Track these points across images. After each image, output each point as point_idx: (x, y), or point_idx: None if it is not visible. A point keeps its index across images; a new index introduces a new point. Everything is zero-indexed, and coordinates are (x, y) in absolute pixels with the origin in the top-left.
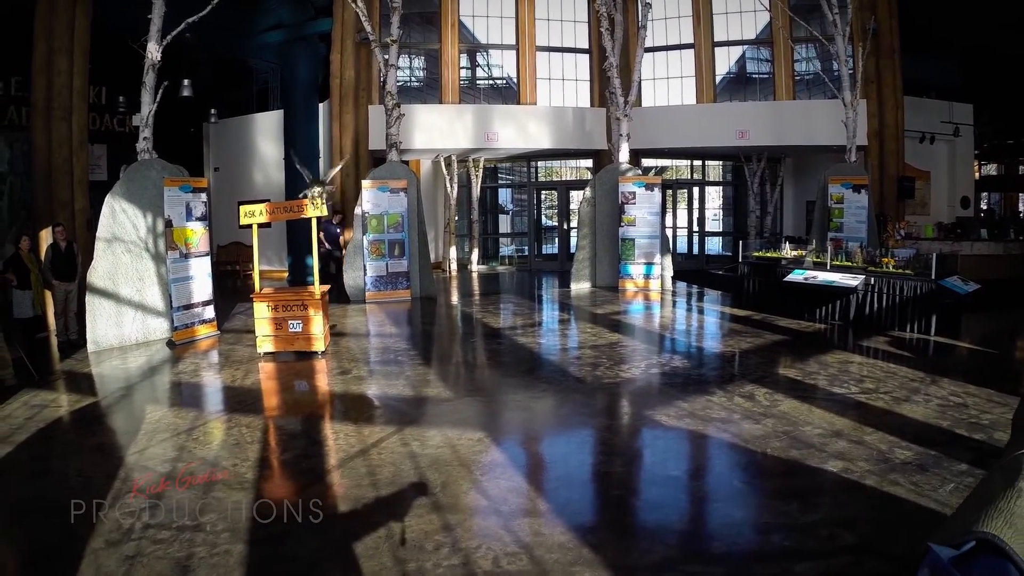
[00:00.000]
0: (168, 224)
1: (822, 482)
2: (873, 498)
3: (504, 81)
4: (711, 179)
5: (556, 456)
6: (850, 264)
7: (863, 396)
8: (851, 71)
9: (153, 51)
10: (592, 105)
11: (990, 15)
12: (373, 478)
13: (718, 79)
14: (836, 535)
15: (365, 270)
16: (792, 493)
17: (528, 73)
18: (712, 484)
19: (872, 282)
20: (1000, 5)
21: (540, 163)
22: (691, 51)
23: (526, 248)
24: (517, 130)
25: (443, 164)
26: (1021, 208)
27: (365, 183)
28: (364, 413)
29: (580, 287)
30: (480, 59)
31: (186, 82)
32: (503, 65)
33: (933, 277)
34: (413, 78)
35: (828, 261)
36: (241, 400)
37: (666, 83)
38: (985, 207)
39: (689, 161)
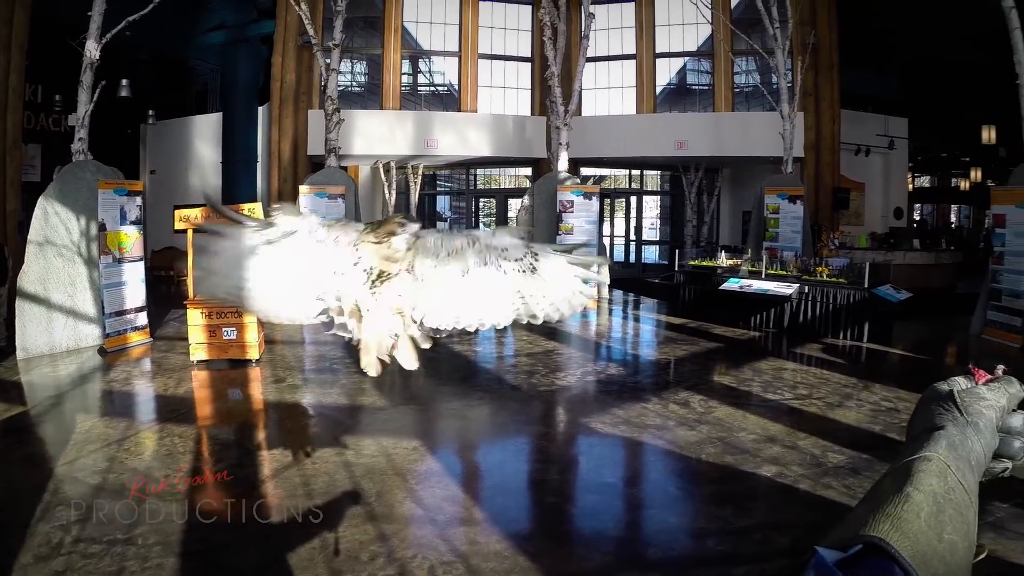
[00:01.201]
0: (102, 228)
1: (756, 487)
2: (807, 502)
3: (445, 88)
4: (649, 188)
5: (492, 464)
6: (785, 273)
7: (797, 402)
8: (790, 84)
9: (92, 49)
10: (533, 114)
11: (929, 32)
12: (307, 488)
13: (658, 90)
14: (770, 539)
15: None
16: (727, 498)
17: (470, 80)
18: (648, 490)
19: (806, 290)
20: (940, 22)
21: (479, 171)
22: (633, 62)
23: None
24: (457, 137)
25: (382, 170)
26: (953, 219)
27: (303, 188)
28: (298, 422)
29: None
30: (422, 65)
31: (124, 82)
32: (445, 72)
33: (866, 286)
34: (354, 83)
35: (763, 270)
36: (174, 409)
37: (607, 93)
38: (918, 218)
39: (628, 170)
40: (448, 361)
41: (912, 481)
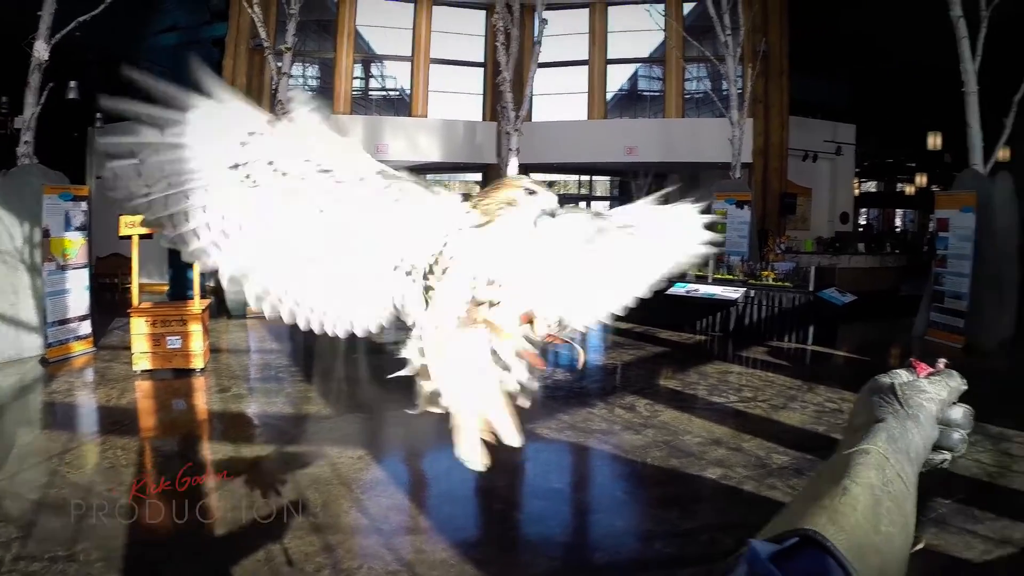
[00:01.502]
0: (45, 234)
1: (701, 489)
2: (751, 502)
3: (397, 92)
4: (598, 194)
5: (438, 472)
6: (731, 277)
7: (742, 405)
8: (740, 91)
9: (41, 50)
10: (484, 119)
11: (878, 40)
12: (252, 499)
13: (609, 96)
14: (716, 540)
15: None
16: (673, 501)
17: (421, 85)
18: (594, 495)
19: (752, 294)
20: (889, 31)
21: (429, 176)
22: (585, 67)
23: None
24: (408, 142)
25: None
26: (898, 223)
27: None
28: (243, 432)
29: None
30: (374, 70)
31: (72, 84)
32: (397, 76)
33: (811, 289)
34: (305, 87)
35: (710, 274)
36: (116, 421)
37: (558, 98)
38: (864, 223)
39: (578, 176)
40: (394, 368)
41: (850, 474)
